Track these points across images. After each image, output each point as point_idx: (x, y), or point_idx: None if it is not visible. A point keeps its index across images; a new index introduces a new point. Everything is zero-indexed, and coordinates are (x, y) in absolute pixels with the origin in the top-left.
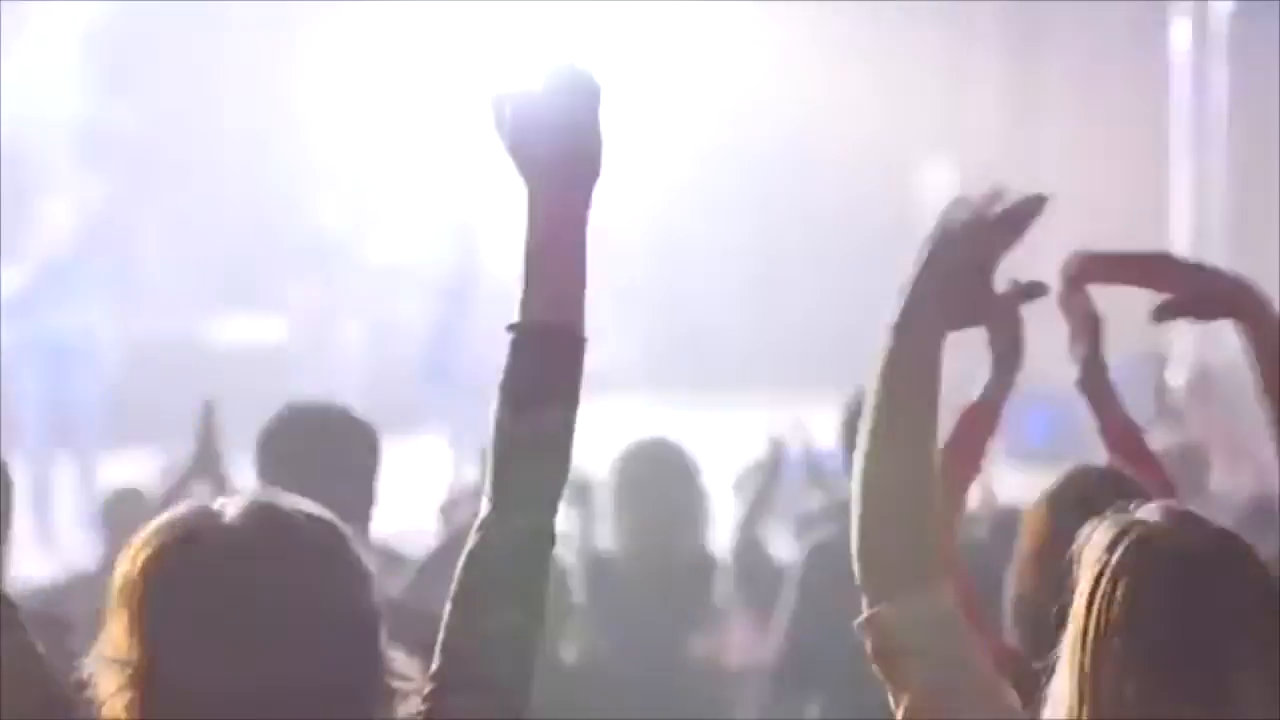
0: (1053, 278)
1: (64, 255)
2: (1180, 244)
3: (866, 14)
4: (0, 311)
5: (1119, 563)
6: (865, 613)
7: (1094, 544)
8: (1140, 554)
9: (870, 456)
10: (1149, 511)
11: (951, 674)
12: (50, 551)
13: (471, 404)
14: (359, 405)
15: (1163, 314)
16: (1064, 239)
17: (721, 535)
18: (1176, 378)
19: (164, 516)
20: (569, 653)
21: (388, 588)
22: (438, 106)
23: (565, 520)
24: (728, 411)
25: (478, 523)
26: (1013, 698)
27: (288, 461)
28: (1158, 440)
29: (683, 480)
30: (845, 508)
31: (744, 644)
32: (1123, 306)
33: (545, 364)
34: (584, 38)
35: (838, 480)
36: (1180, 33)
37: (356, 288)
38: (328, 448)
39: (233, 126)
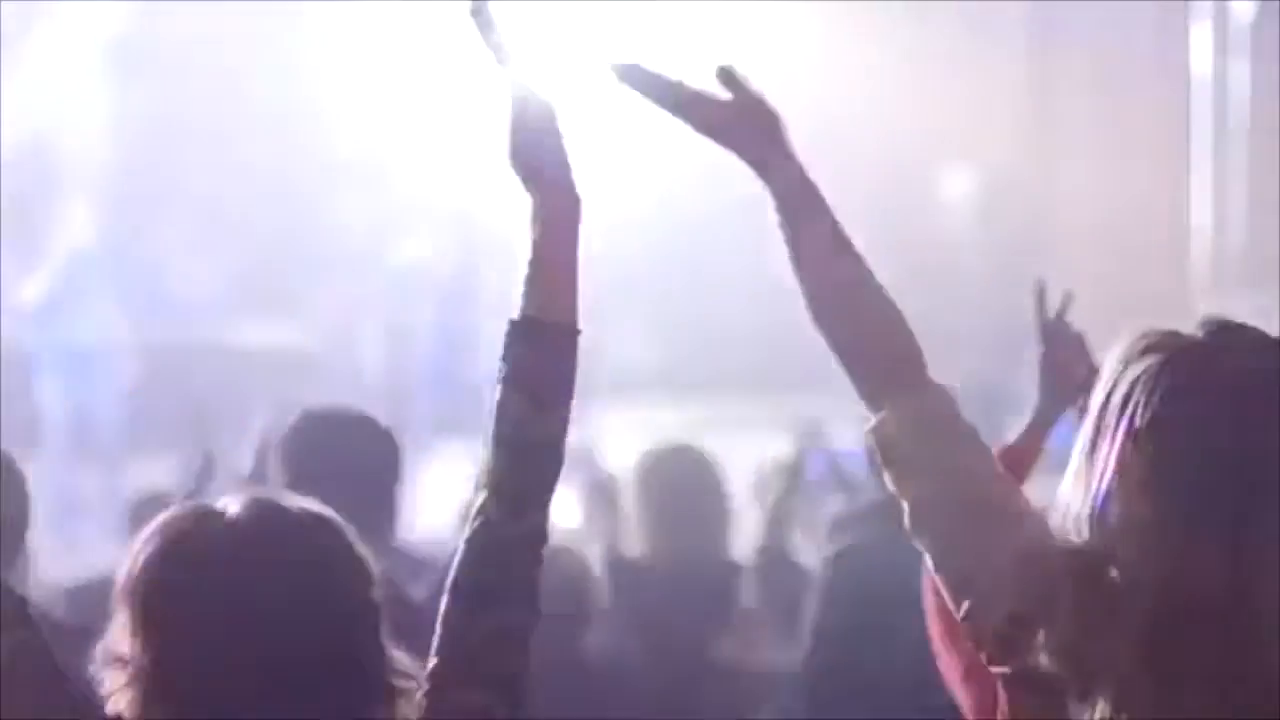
0: (1072, 275)
1: (85, 260)
2: (1201, 244)
3: (886, 16)
4: (23, 317)
5: (1144, 367)
6: (868, 423)
7: (1116, 352)
8: (1167, 355)
9: (811, 288)
10: (1183, 327)
11: (945, 478)
12: (75, 557)
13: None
14: (381, 410)
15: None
16: (1085, 239)
17: (744, 539)
18: None
19: (164, 516)
20: (592, 654)
21: (412, 593)
22: (461, 108)
23: (589, 523)
24: (747, 414)
25: (474, 513)
26: (1009, 504)
27: (307, 467)
28: None
29: (706, 484)
30: (871, 511)
31: (768, 648)
32: (1139, 304)
33: (548, 360)
34: (607, 38)
35: (861, 482)
36: (1201, 34)
37: (379, 292)
38: (347, 454)
39: (255, 130)
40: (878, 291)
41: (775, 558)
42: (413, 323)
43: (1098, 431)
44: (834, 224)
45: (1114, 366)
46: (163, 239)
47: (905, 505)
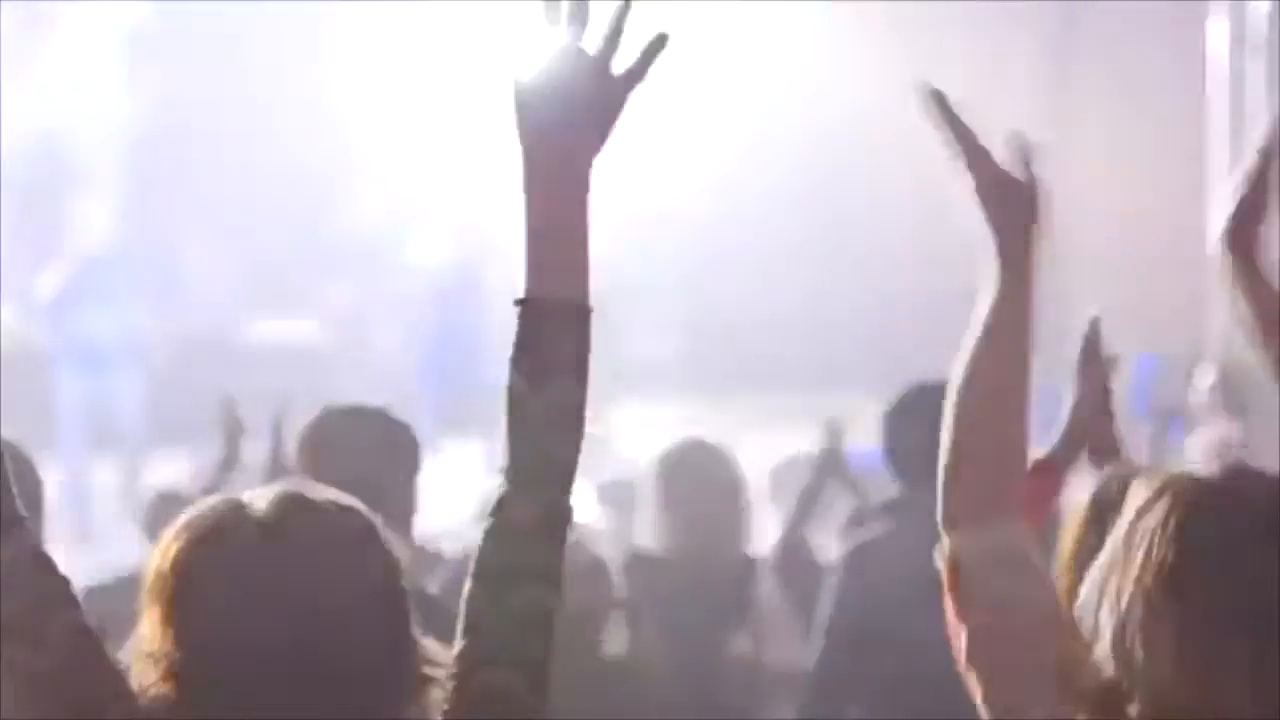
0: (1088, 276)
1: (102, 255)
2: (1218, 242)
3: (901, 12)
4: (40, 312)
5: (1176, 514)
6: (942, 542)
7: (1136, 492)
8: (1184, 499)
9: (965, 383)
10: (1196, 466)
11: (1009, 615)
12: (90, 553)
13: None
14: (397, 406)
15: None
16: (1101, 240)
17: (761, 535)
18: (1206, 377)
19: (193, 510)
20: (609, 650)
21: (427, 586)
22: (475, 104)
23: (608, 518)
24: (766, 410)
25: (494, 499)
26: (1070, 643)
27: (327, 463)
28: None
29: (725, 480)
30: (890, 507)
31: (784, 644)
32: (1156, 306)
33: (555, 337)
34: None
35: (876, 481)
36: (1217, 31)
37: (392, 290)
38: (367, 450)
39: (270, 126)
40: (1024, 421)
41: (793, 554)
42: (424, 320)
43: (1115, 564)
44: (1029, 344)
45: (1133, 502)
46: (179, 235)
47: (964, 631)
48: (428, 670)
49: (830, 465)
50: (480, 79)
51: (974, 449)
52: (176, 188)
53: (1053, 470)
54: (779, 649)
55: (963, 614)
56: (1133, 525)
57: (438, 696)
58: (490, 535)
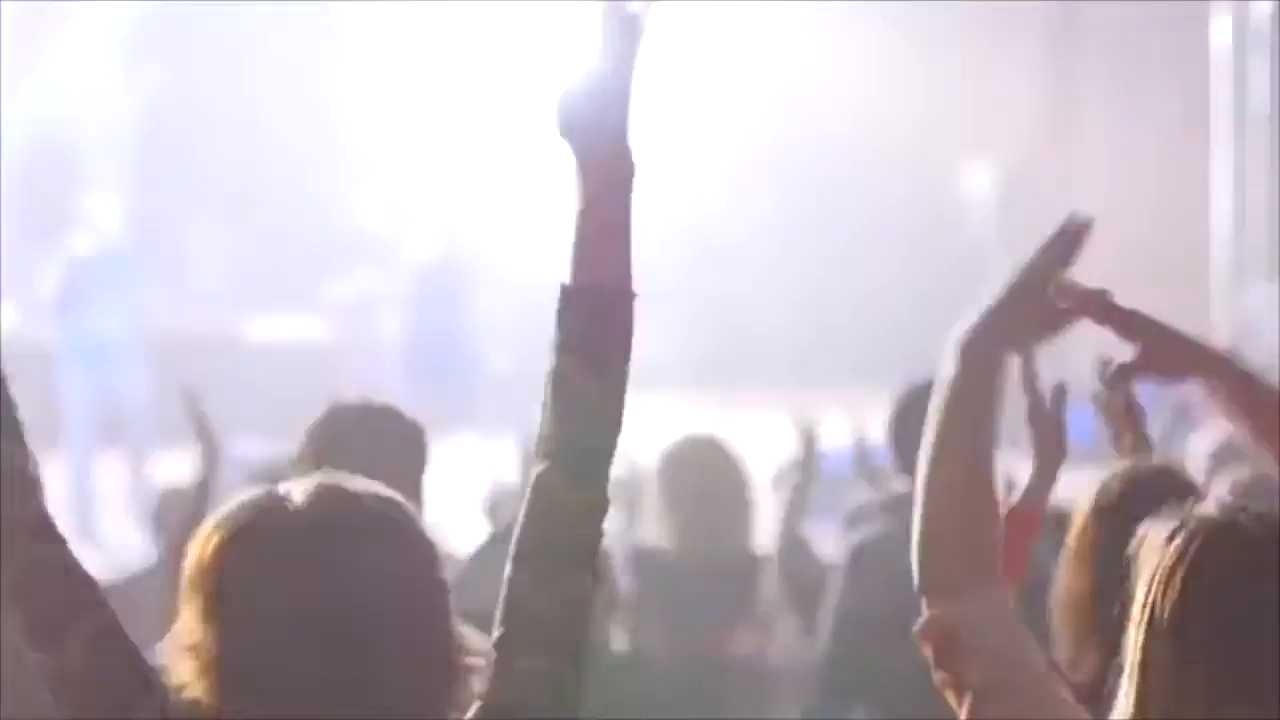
0: (1091, 269)
1: (105, 252)
2: (1221, 237)
3: (906, 12)
4: (45, 311)
5: (1175, 556)
6: (924, 615)
7: (1151, 542)
8: (1197, 546)
9: (934, 460)
10: (1207, 505)
11: (1012, 673)
12: (96, 550)
13: (511, 401)
14: (400, 402)
15: (1122, 376)
16: (1103, 238)
17: (766, 533)
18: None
19: (232, 502)
20: (613, 645)
21: None
22: (476, 102)
23: (612, 516)
24: (767, 409)
25: (533, 482)
26: (1068, 698)
27: (334, 460)
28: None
29: (728, 478)
30: (892, 504)
31: (788, 643)
32: (1158, 305)
33: (601, 324)
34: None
35: (884, 475)
36: (1221, 30)
37: (395, 287)
38: (374, 446)
39: (272, 125)
40: (993, 488)
41: (795, 551)
42: (418, 316)
43: (1131, 627)
44: (993, 417)
45: (1142, 563)
46: (183, 232)
47: (968, 696)
48: (467, 660)
49: (816, 462)
50: (481, 75)
51: (948, 519)
52: (178, 185)
53: (1028, 512)
54: (782, 646)
55: (960, 680)
56: (1144, 583)
57: (477, 684)
58: (529, 523)
